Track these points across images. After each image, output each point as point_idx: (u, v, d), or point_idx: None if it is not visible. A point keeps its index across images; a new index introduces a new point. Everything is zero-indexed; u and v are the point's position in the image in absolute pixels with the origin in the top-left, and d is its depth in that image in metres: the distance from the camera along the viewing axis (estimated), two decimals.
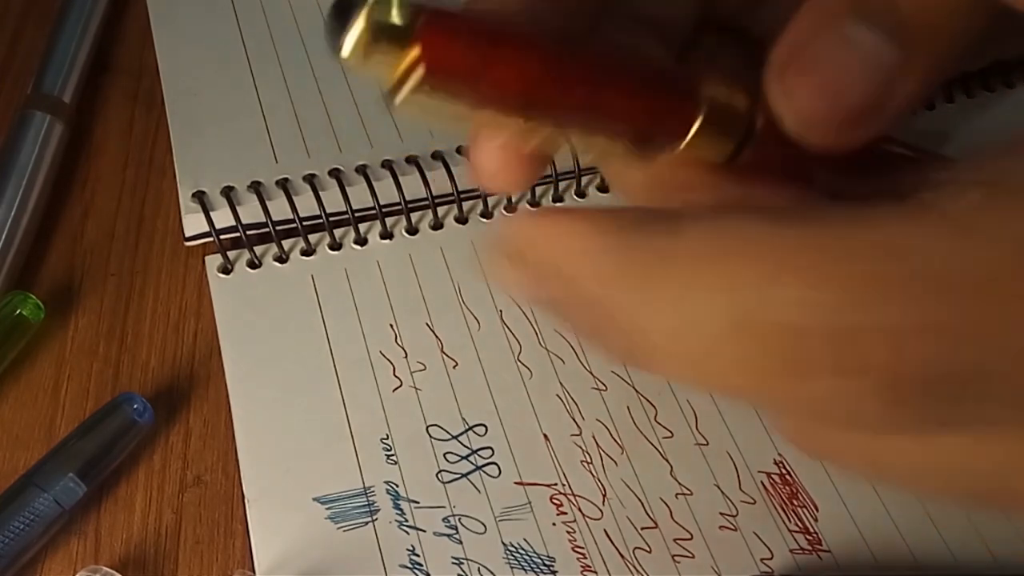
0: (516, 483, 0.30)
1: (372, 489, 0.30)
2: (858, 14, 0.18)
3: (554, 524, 0.29)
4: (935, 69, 0.19)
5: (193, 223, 0.34)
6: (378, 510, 0.29)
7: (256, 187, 0.35)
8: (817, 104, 0.18)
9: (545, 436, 0.31)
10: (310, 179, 0.35)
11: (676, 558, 0.29)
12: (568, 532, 0.29)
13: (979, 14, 0.19)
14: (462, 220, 0.36)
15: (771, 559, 0.29)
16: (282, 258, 0.35)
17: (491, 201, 0.36)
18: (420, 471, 0.30)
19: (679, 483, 0.30)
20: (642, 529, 0.29)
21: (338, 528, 0.29)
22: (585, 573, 0.28)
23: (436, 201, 0.35)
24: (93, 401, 0.31)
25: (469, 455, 0.30)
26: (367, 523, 0.29)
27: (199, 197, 0.35)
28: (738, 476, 0.30)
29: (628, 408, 0.32)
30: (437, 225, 0.36)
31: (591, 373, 0.32)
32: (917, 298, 0.15)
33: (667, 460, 0.31)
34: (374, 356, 0.32)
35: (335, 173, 0.36)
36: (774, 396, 0.17)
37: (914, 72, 0.19)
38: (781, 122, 0.19)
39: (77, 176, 0.38)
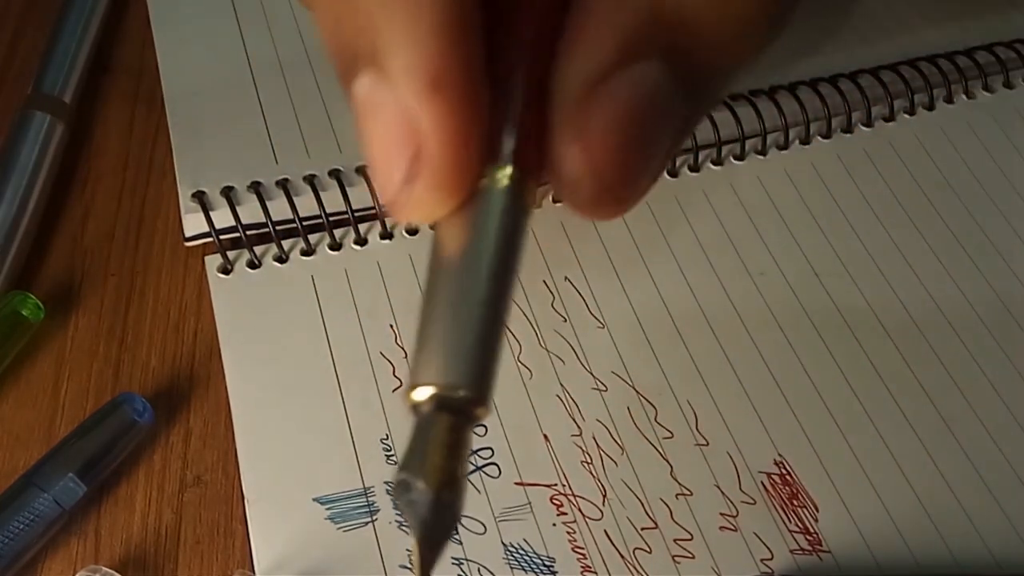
0: (516, 483, 0.30)
1: (372, 489, 0.30)
2: (665, 61, 0.17)
3: (554, 524, 0.29)
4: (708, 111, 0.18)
5: (193, 223, 0.34)
6: (378, 510, 0.29)
7: (256, 187, 0.35)
8: (612, 155, 0.17)
9: (545, 436, 0.31)
10: (310, 179, 0.35)
11: (676, 558, 0.29)
12: (568, 532, 0.29)
13: (758, 50, 0.18)
14: None
15: (771, 559, 0.29)
16: (282, 258, 0.35)
17: None
18: None
19: (679, 483, 0.30)
20: (642, 529, 0.29)
21: (338, 528, 0.29)
22: (585, 573, 0.28)
23: None
24: (93, 401, 0.31)
25: (469, 455, 0.30)
26: (367, 523, 0.29)
27: (199, 197, 0.35)
28: (738, 476, 0.30)
29: (628, 408, 0.32)
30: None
31: (591, 373, 0.32)
32: None
33: (667, 460, 0.31)
34: (374, 356, 0.32)
35: (335, 173, 0.36)
36: None
37: (695, 121, 0.19)
38: (560, 161, 0.17)
39: (77, 176, 0.38)
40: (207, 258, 0.35)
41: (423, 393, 0.16)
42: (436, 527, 0.16)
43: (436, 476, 0.16)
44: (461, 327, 0.16)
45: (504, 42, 0.17)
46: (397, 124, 0.16)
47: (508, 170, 0.17)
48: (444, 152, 0.16)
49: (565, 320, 0.34)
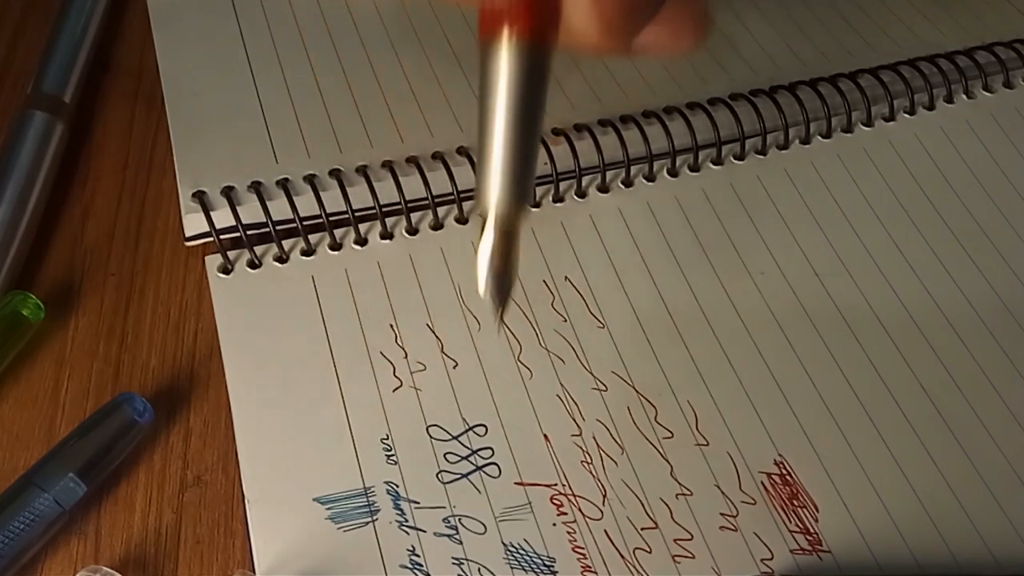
0: (516, 483, 0.30)
1: (372, 489, 0.30)
2: None
3: (554, 524, 0.29)
4: None
5: (193, 223, 0.35)
6: (378, 510, 0.29)
7: (256, 187, 0.35)
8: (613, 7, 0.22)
9: (545, 436, 0.31)
10: (310, 179, 0.35)
11: (676, 558, 0.29)
12: (568, 532, 0.29)
13: None
14: (462, 220, 0.36)
15: (771, 559, 0.29)
16: (282, 258, 0.35)
17: None
18: (420, 471, 0.30)
19: (679, 483, 0.30)
20: (642, 529, 0.29)
21: (338, 528, 0.29)
22: (585, 573, 0.28)
23: (436, 201, 0.35)
24: (93, 401, 0.31)
25: (469, 455, 0.30)
26: (367, 523, 0.29)
27: (199, 197, 0.35)
28: (738, 476, 0.30)
29: (628, 408, 0.32)
30: (437, 225, 0.36)
31: (591, 373, 0.32)
32: None
33: (667, 460, 0.31)
34: (374, 356, 0.32)
35: (335, 173, 0.36)
36: None
37: None
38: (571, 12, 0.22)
39: (77, 176, 0.38)
40: (207, 258, 0.35)
41: (483, 213, 0.23)
42: (500, 295, 0.24)
43: (497, 266, 0.23)
44: (497, 161, 0.22)
45: None
46: None
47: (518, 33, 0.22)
48: None
49: (565, 320, 0.34)
